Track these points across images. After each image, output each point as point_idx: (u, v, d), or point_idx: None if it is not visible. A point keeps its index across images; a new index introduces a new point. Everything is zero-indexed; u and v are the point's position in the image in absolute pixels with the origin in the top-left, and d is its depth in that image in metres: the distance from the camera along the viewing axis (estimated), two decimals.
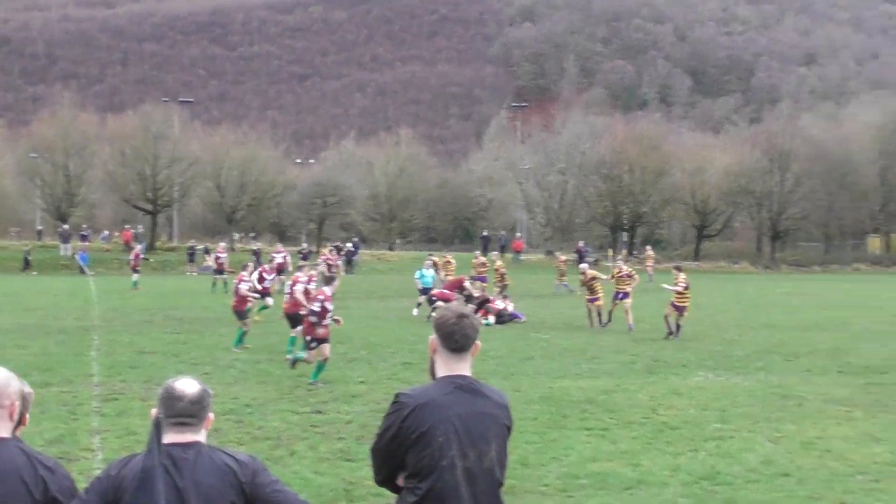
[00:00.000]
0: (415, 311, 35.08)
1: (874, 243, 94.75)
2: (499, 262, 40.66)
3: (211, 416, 4.93)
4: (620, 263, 36.92)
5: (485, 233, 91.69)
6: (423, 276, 36.34)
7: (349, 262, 70.14)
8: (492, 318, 32.85)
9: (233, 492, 4.69)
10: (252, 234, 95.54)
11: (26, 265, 65.86)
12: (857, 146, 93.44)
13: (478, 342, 5.39)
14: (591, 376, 20.95)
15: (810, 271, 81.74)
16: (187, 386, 4.83)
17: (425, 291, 35.11)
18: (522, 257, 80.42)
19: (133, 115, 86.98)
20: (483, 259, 46.19)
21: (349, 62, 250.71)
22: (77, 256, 66.98)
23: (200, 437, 4.83)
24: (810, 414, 16.75)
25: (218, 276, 48.06)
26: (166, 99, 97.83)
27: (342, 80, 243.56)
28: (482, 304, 33.45)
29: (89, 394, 18.07)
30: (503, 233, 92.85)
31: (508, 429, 5.37)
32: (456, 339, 5.26)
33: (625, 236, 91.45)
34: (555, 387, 19.33)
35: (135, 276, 51.10)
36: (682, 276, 29.28)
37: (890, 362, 23.54)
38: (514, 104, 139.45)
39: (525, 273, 60.38)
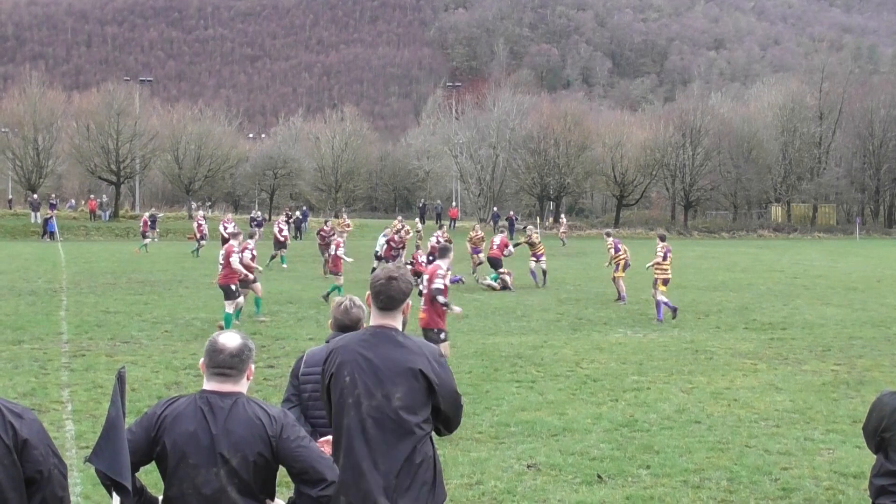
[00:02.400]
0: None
1: (776, 212, 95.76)
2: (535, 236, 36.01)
3: (252, 367, 4.96)
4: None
5: (423, 202, 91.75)
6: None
7: (298, 229, 69.96)
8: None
9: (261, 443, 4.71)
10: (209, 203, 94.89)
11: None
12: (761, 124, 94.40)
13: (408, 301, 5.37)
14: (521, 333, 21.00)
15: (719, 237, 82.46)
16: (229, 340, 4.90)
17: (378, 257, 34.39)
18: (458, 224, 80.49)
19: (97, 92, 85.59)
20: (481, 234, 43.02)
21: (297, 45, 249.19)
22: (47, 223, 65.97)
23: (241, 387, 4.88)
24: (719, 367, 16.92)
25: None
26: (127, 78, 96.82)
27: (290, 61, 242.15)
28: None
29: (58, 350, 17.83)
30: (439, 202, 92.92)
31: (424, 376, 5.11)
32: (381, 298, 5.28)
33: (551, 205, 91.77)
34: (487, 343, 19.37)
35: (144, 241, 52.07)
36: (661, 244, 24.69)
37: (790, 319, 23.85)
38: (448, 84, 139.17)
39: (461, 238, 60.35)
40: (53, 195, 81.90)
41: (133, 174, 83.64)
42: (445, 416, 5.28)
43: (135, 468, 4.68)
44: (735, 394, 14.49)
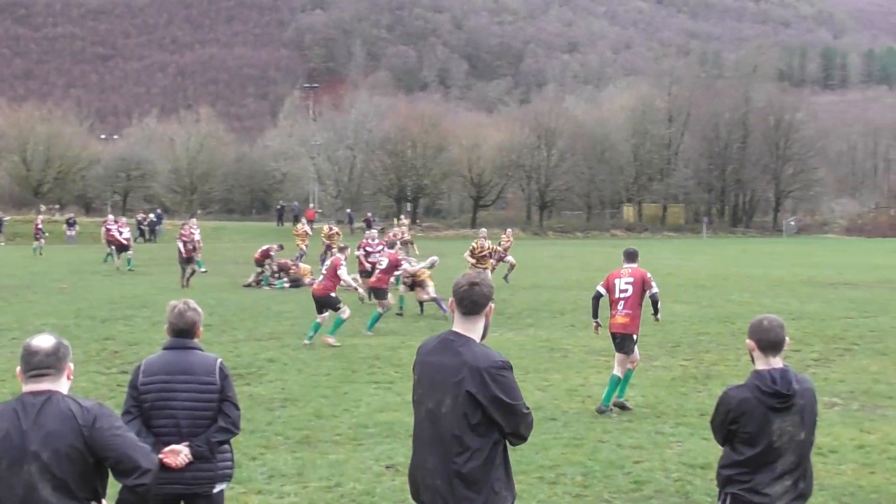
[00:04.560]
0: None
1: (628, 212, 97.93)
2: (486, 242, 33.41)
3: (70, 366, 4.97)
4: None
5: (280, 204, 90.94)
6: None
7: (153, 232, 68.68)
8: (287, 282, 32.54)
9: (72, 434, 4.68)
10: (57, 206, 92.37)
11: None
12: (613, 126, 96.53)
13: (490, 305, 5.51)
14: (379, 334, 20.96)
15: (573, 237, 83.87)
16: (43, 341, 4.91)
17: None
18: (315, 226, 79.99)
19: None
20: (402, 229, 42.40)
21: (150, 44, 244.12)
22: None
23: (58, 386, 4.86)
24: (574, 364, 17.20)
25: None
26: None
27: (144, 60, 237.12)
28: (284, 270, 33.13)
29: None
30: (297, 203, 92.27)
31: (467, 392, 5.20)
32: (464, 303, 5.43)
33: (408, 206, 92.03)
34: (345, 344, 19.28)
35: (35, 244, 50.78)
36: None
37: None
38: (306, 85, 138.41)
39: (318, 240, 60.05)
40: None
41: None
42: (505, 429, 5.29)
43: None
44: (589, 390, 14.74)
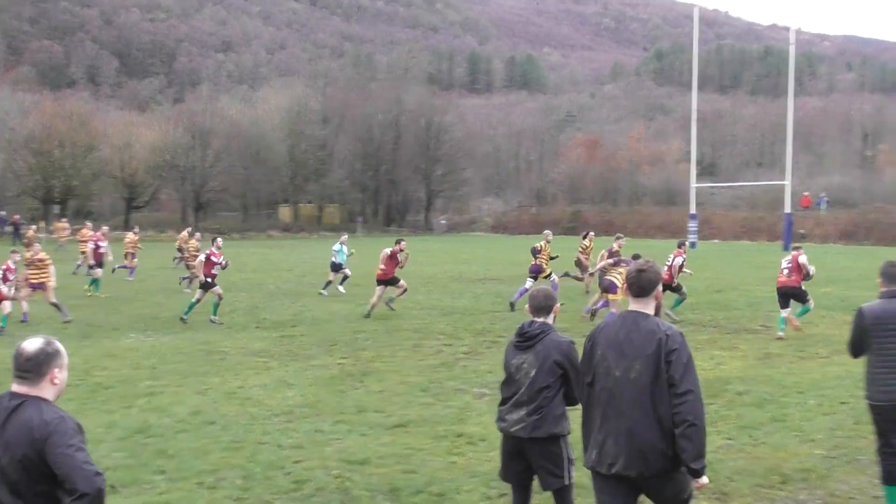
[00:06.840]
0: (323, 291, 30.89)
1: (285, 212, 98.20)
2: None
3: (56, 371, 5.07)
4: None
5: None
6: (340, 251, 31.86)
7: None
8: None
9: (27, 445, 4.69)
10: None
11: None
12: (268, 126, 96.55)
13: (658, 288, 6.40)
14: None
15: (230, 238, 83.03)
16: (29, 345, 5.00)
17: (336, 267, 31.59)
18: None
19: None
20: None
21: None
22: None
23: (38, 390, 4.95)
24: (232, 366, 17.09)
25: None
26: None
27: None
28: None
29: None
30: None
31: (657, 355, 5.97)
32: (633, 288, 6.37)
33: (56, 209, 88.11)
34: None
35: None
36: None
37: (298, 317, 24.58)
38: None
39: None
40: None
41: None
42: (679, 384, 5.99)
43: None
44: (248, 392, 14.71)
